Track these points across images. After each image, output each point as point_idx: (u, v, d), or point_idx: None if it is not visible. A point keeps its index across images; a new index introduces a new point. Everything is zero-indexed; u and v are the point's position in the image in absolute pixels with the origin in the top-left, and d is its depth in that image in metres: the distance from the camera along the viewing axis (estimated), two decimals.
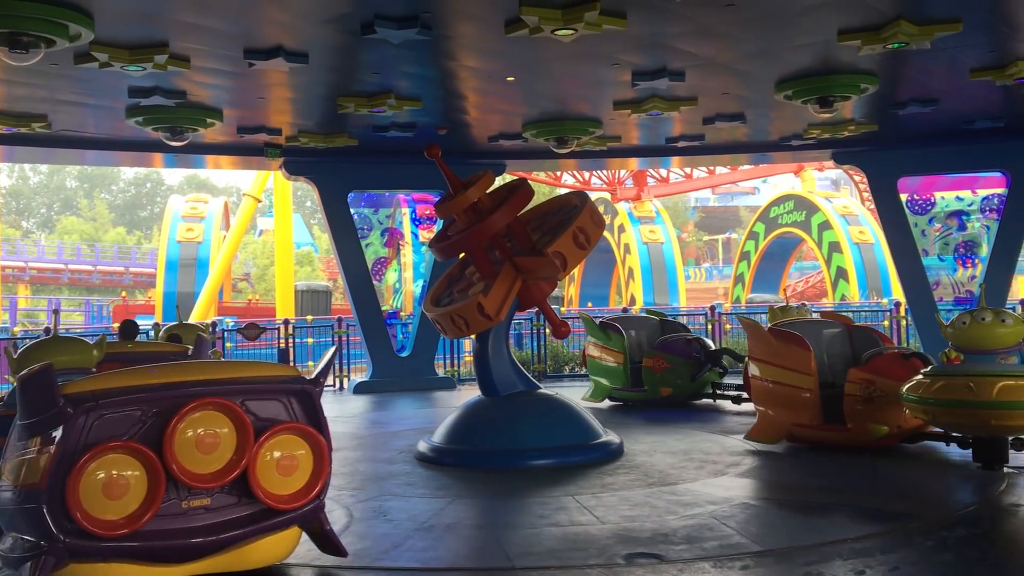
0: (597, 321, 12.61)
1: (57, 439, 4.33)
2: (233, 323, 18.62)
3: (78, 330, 21.80)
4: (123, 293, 38.41)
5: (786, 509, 6.27)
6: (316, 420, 4.93)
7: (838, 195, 38.83)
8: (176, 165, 16.97)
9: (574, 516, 6.06)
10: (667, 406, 11.45)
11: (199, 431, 4.55)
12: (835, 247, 30.88)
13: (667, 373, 11.52)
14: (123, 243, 50.58)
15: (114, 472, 4.36)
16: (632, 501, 6.42)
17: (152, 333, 13.80)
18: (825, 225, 31.31)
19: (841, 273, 30.46)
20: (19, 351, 6.16)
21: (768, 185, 60.94)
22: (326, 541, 5.03)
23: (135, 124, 10.55)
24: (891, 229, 14.75)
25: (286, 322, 17.12)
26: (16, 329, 22.71)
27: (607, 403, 12.19)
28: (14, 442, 4.73)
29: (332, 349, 5.56)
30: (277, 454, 4.75)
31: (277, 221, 32.07)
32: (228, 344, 16.57)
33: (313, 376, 5.04)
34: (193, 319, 26.67)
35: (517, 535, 5.68)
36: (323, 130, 12.20)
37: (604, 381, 12.19)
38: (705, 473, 7.37)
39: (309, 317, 21.07)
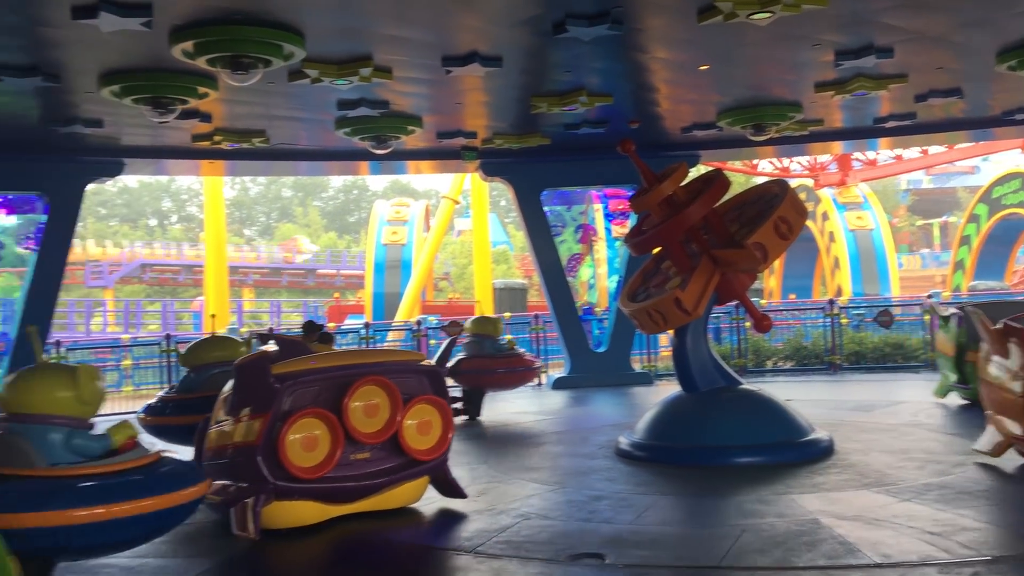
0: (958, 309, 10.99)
1: (270, 408, 5.79)
2: (436, 321, 19.33)
3: (296, 330, 23.33)
4: (336, 294, 40.75)
5: (1016, 511, 5.78)
6: (443, 393, 6.52)
7: None
8: (380, 172, 17.78)
9: (782, 512, 5.86)
10: None
11: (366, 400, 6.05)
12: None
13: None
14: (335, 247, 53.66)
15: (308, 431, 5.85)
16: (846, 502, 6.12)
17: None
18: None
19: None
20: (186, 348, 8.41)
21: (990, 163, 56.24)
22: (449, 487, 6.56)
23: (343, 135, 11.15)
24: None
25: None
26: (243, 329, 24.64)
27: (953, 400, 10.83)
28: (224, 413, 6.25)
29: (448, 340, 7.39)
30: (418, 418, 6.27)
31: (474, 221, 32.95)
32: (432, 341, 17.23)
33: (436, 360, 7.44)
34: (399, 317, 27.92)
35: (723, 533, 5.56)
36: (517, 131, 12.41)
37: (949, 375, 10.84)
38: (926, 474, 6.91)
39: (507, 314, 21.53)
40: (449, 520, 6.25)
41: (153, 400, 8.60)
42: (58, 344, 14.20)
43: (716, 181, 7.81)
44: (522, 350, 11.88)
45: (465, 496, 6.51)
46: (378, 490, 6.15)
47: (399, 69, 8.94)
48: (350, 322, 26.69)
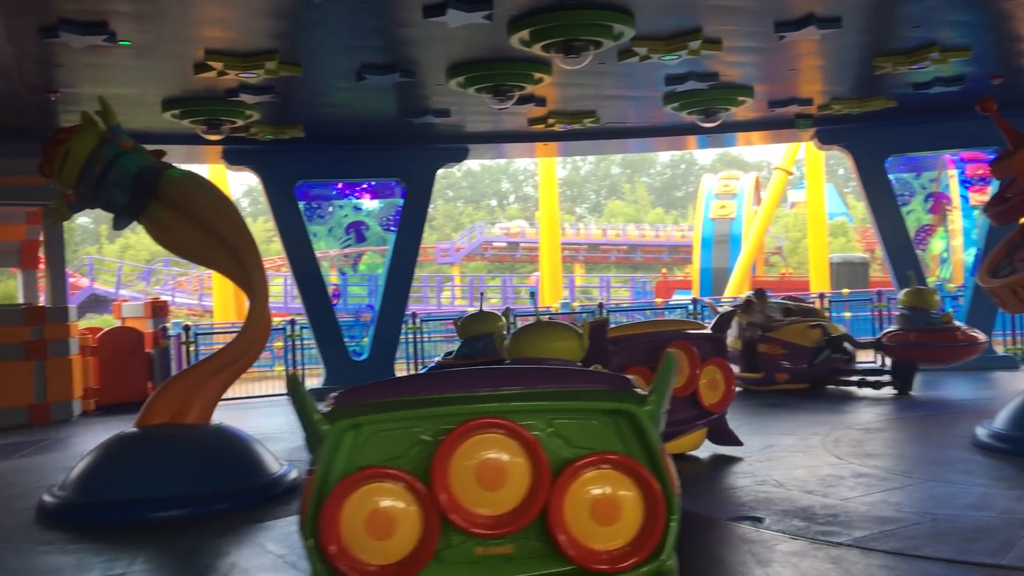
0: None
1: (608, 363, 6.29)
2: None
3: (624, 305, 23.76)
4: (663, 270, 40.92)
5: None
6: (725, 355, 7.84)
7: None
8: (708, 146, 17.54)
9: None
10: None
11: (679, 358, 6.48)
12: None
13: None
14: (661, 223, 53.86)
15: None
16: None
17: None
18: None
19: None
20: (461, 321, 9.47)
21: None
22: (726, 436, 7.75)
23: (671, 110, 11.13)
24: None
25: (821, 296, 16.74)
26: (575, 304, 25.57)
27: None
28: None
29: (725, 312, 8.41)
30: (711, 377, 7.54)
31: (809, 193, 31.42)
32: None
33: (715, 326, 8.12)
34: (728, 293, 27.43)
35: None
36: (857, 94, 11.63)
37: None
38: None
39: (845, 290, 20.33)
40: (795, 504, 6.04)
41: (431, 364, 9.79)
42: (414, 316, 15.45)
43: None
44: (960, 324, 11.30)
45: (741, 444, 7.68)
46: (676, 435, 7.01)
47: (729, 39, 8.73)
48: (677, 297, 26.67)
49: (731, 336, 11.63)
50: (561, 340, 5.61)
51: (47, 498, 6.79)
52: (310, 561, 3.32)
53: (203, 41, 8.34)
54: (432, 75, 9.66)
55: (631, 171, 73.53)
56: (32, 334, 12.04)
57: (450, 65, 9.27)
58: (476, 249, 44.83)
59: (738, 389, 11.24)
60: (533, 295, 8.61)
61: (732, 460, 7.51)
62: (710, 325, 8.34)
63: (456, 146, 13.83)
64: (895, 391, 11.11)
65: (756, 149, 69.60)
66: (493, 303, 35.21)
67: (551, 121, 11.99)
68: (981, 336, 11.17)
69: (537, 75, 9.24)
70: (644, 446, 3.37)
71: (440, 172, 14.83)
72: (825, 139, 13.96)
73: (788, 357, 11.63)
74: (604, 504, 3.34)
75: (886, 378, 11.28)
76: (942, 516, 5.53)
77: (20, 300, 13.81)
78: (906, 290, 11.62)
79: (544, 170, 31.86)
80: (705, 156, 71.12)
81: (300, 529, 3.37)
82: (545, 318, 10.41)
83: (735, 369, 11.33)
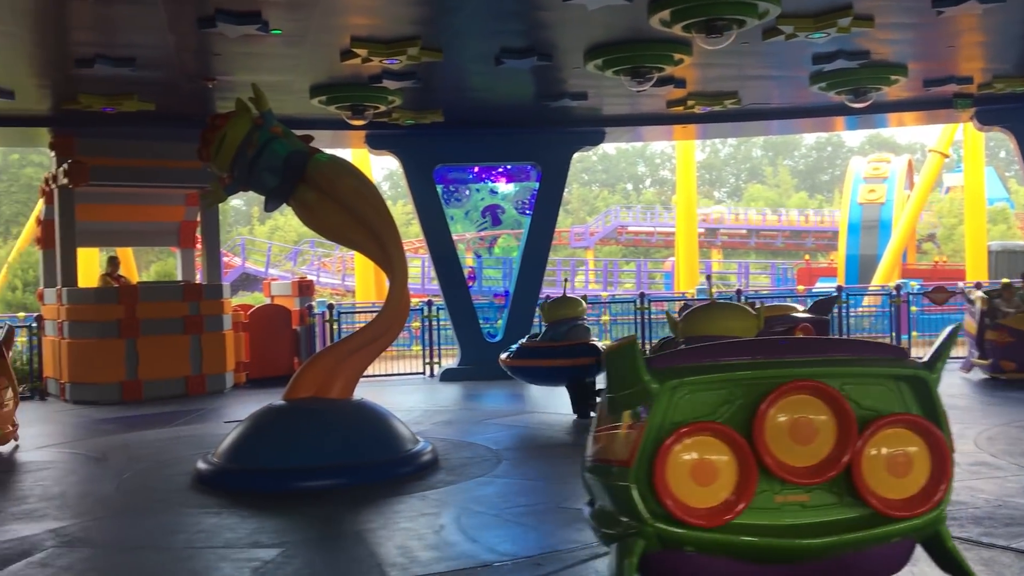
0: None
1: None
2: (919, 286, 17.85)
3: (764, 292, 23.10)
4: (806, 256, 39.59)
5: None
6: None
7: None
8: (857, 127, 16.87)
9: None
10: None
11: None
12: None
13: None
14: (804, 207, 52.08)
15: None
16: None
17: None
18: None
19: None
20: (547, 306, 9.79)
21: None
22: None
23: (818, 90, 10.72)
24: None
25: (978, 284, 15.80)
26: (712, 290, 25.02)
27: None
28: None
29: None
30: None
31: (967, 176, 29.70)
32: (913, 308, 15.96)
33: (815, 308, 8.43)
34: (876, 281, 26.31)
35: None
36: (1022, 72, 10.90)
37: None
38: None
39: (1005, 280, 19.15)
40: None
41: (515, 346, 9.86)
42: (547, 299, 15.53)
43: None
44: None
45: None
46: None
47: (881, 15, 8.32)
48: (821, 285, 25.76)
49: (970, 320, 11.93)
50: (738, 320, 6.00)
51: (202, 465, 7.20)
52: (634, 506, 3.75)
53: (349, 29, 8.60)
54: (570, 58, 9.64)
55: (773, 153, 71.43)
56: (189, 310, 12.78)
57: (588, 48, 9.21)
58: (610, 233, 44.61)
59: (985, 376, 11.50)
60: (709, 278, 8.73)
61: None
62: (808, 308, 8.48)
63: (592, 129, 13.77)
64: None
65: (909, 130, 66.18)
66: (627, 287, 34.94)
67: (691, 103, 11.75)
68: None
69: (677, 56, 9.07)
70: (929, 408, 3.82)
71: (575, 156, 14.81)
72: (985, 120, 13.17)
73: (1016, 346, 11.28)
74: (900, 459, 3.79)
75: None
76: None
77: (179, 277, 14.63)
78: None
79: (682, 153, 31.32)
80: (854, 138, 68.32)
81: (619, 477, 3.85)
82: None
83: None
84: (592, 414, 5.86)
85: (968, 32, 9.24)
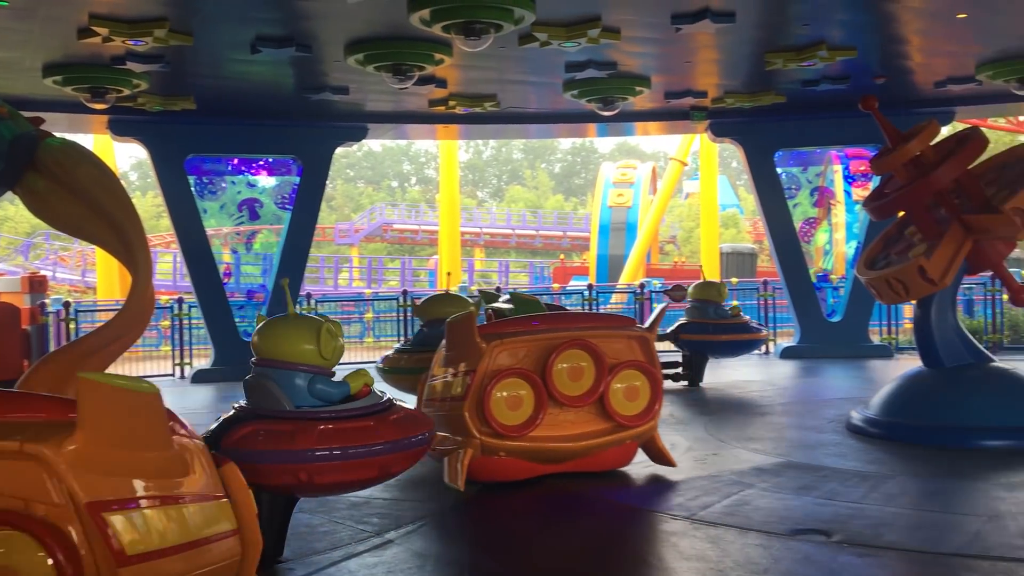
0: None
1: None
2: (660, 285, 19.16)
3: (524, 289, 23.92)
4: (561, 256, 41.32)
5: None
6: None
7: None
8: (608, 134, 17.76)
9: None
10: None
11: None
12: None
13: None
14: (561, 209, 54.35)
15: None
16: None
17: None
18: None
19: None
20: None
21: None
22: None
23: (571, 97, 11.21)
24: None
25: None
26: (472, 288, 25.58)
27: None
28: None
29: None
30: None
31: (702, 184, 32.25)
32: (655, 305, 17.10)
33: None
34: (623, 280, 27.94)
35: (963, 520, 5.17)
36: (749, 89, 11.96)
37: None
38: None
39: (734, 279, 20.95)
40: (665, 485, 6.21)
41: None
42: (309, 296, 15.33)
43: (971, 140, 7.17)
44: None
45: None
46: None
47: (627, 29, 8.84)
48: (574, 283, 27.00)
49: None
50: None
51: None
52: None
53: (87, 4, 7.95)
54: (330, 51, 9.47)
55: (533, 157, 73.88)
56: None
57: (349, 41, 9.10)
58: (376, 231, 44.38)
59: None
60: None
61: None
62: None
63: (355, 125, 13.60)
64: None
65: (653, 139, 70.80)
66: (392, 285, 34.92)
67: (452, 103, 11.91)
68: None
69: (438, 56, 9.16)
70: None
71: (339, 151, 14.59)
72: (718, 131, 14.29)
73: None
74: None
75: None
76: (807, 494, 5.79)
77: None
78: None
79: (446, 153, 31.72)
80: (605, 144, 72.10)
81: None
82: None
83: None
84: None
85: (703, 49, 10.01)
